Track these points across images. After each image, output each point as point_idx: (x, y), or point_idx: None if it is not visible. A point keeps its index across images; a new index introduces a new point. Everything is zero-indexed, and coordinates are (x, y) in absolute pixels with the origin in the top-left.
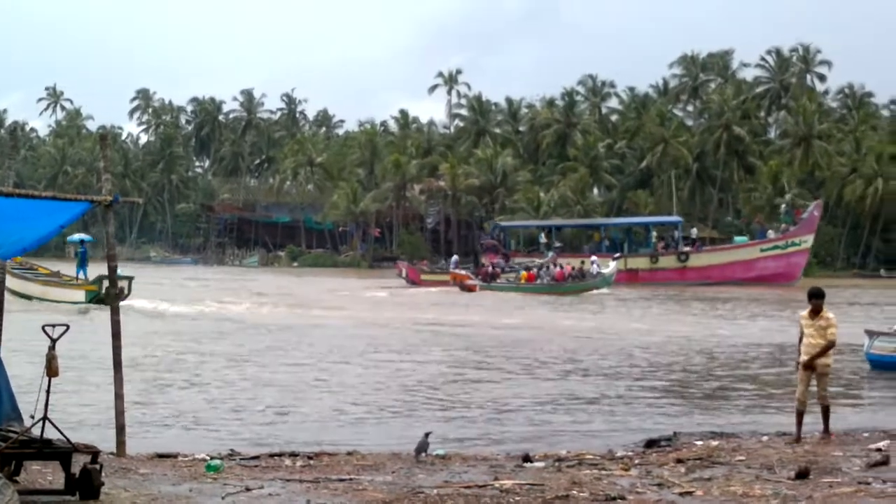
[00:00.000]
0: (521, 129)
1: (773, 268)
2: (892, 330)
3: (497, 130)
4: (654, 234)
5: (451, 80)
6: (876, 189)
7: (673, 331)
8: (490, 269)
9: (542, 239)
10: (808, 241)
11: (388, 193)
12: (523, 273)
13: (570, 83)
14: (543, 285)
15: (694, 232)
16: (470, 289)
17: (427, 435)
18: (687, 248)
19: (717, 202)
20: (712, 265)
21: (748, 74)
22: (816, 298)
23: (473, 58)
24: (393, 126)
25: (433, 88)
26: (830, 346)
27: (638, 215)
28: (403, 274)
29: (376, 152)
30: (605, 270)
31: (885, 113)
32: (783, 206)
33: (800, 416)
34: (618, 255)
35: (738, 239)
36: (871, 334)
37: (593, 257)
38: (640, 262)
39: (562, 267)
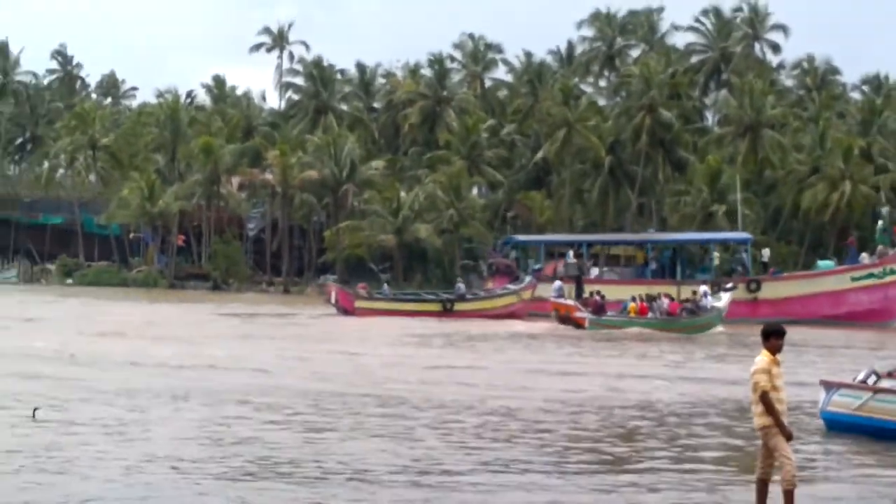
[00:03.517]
0: (375, 105)
1: (867, 303)
2: (857, 381)
3: (344, 107)
4: (717, 255)
5: (280, 37)
6: (842, 194)
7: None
8: (599, 298)
9: (570, 258)
10: None
11: (195, 188)
12: (632, 305)
13: (442, 46)
14: (657, 320)
15: (765, 254)
16: (578, 323)
17: None
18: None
19: (637, 208)
20: (791, 297)
21: (679, 40)
22: (778, 337)
23: (308, 9)
24: (204, 98)
25: (256, 48)
26: None
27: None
28: (333, 300)
29: (180, 133)
30: (718, 304)
31: (856, 96)
32: (879, 220)
33: None
34: (730, 284)
35: (822, 264)
36: (829, 386)
37: (703, 287)
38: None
39: (672, 298)
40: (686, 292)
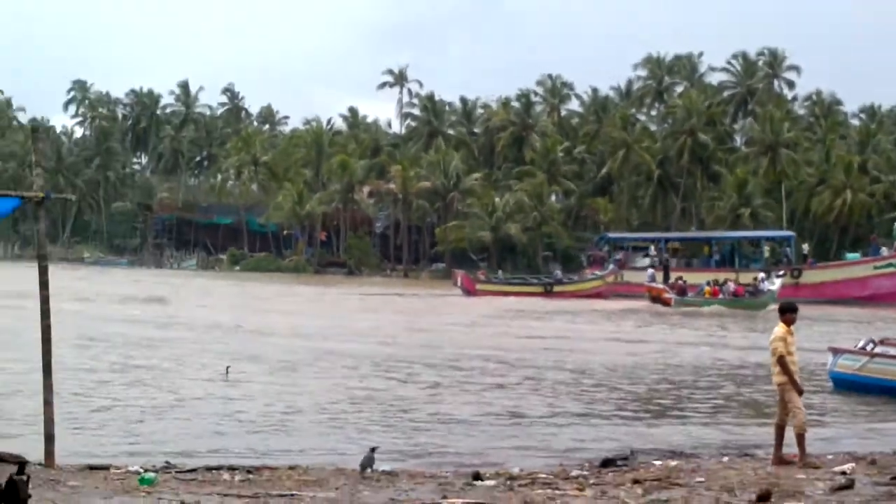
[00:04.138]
0: (475, 130)
1: (888, 287)
2: (857, 347)
3: (451, 132)
4: (767, 248)
5: (401, 77)
6: (844, 200)
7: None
8: (682, 283)
9: (652, 252)
10: None
11: (334, 195)
12: (707, 288)
13: (528, 84)
14: (726, 300)
15: (805, 248)
16: (666, 302)
17: (373, 450)
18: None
19: (680, 211)
20: (826, 282)
21: (714, 79)
22: (793, 312)
23: (422, 55)
24: (341, 124)
25: (382, 86)
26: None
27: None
28: (459, 283)
29: (323, 152)
30: (772, 287)
31: (855, 122)
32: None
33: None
34: (782, 272)
35: (849, 256)
36: (836, 352)
37: (761, 274)
38: (750, 279)
39: (737, 283)
40: (743, 279)
